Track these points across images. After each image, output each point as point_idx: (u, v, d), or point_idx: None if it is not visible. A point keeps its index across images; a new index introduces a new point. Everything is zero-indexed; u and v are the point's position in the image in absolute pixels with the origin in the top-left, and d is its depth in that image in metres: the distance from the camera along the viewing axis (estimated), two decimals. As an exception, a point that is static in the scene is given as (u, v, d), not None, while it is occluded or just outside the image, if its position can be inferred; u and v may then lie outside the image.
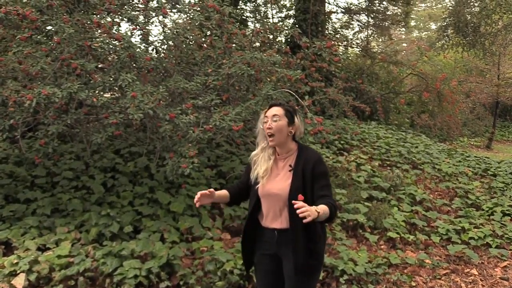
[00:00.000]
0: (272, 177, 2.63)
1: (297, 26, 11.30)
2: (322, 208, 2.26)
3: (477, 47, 12.93)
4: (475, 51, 13.38)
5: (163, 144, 4.77)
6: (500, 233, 5.79)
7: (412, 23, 29.49)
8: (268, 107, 2.67)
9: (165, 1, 5.27)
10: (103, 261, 3.89)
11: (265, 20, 7.15)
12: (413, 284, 4.53)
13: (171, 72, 5.28)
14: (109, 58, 5.01)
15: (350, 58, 14.91)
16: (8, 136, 4.45)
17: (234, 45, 5.87)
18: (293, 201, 2.21)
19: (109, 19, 5.11)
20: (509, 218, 6.37)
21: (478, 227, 5.93)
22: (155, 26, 5.78)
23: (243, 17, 11.42)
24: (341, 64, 12.74)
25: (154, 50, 5.77)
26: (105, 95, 4.63)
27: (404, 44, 22.28)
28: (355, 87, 10.46)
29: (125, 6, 5.39)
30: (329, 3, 14.27)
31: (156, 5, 5.20)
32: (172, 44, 5.41)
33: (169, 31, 5.27)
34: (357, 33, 16.97)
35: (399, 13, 16.12)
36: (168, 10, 5.27)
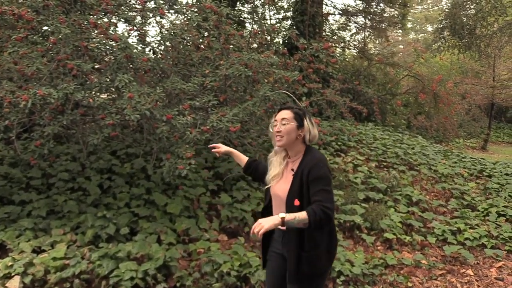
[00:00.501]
0: (280, 179, 2.66)
1: (294, 27, 11.33)
2: (293, 215, 2.29)
3: (473, 49, 12.96)
4: (470, 53, 13.41)
5: (160, 145, 4.75)
6: (495, 234, 5.81)
7: (409, 25, 29.56)
8: (278, 110, 2.69)
9: (162, 2, 5.25)
10: (99, 263, 3.87)
11: (262, 22, 7.13)
12: (410, 284, 4.53)
13: (168, 73, 5.27)
14: (106, 59, 4.99)
15: (347, 59, 14.94)
16: (3, 137, 4.42)
17: (231, 46, 5.86)
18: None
19: (106, 19, 5.09)
20: (504, 218, 6.39)
21: (474, 227, 5.94)
22: (152, 26, 5.78)
23: (240, 18, 11.43)
24: (338, 66, 12.78)
25: (151, 51, 5.76)
26: (101, 96, 4.60)
27: (401, 46, 22.31)
28: (352, 88, 10.49)
29: (122, 7, 5.37)
30: (326, 5, 14.28)
31: (154, 5, 5.19)
32: (169, 45, 5.40)
33: (166, 32, 5.26)
34: (354, 35, 16.98)
35: (396, 15, 16.17)
36: (165, 11, 5.26)
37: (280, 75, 5.19)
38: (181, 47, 5.48)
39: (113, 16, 5.19)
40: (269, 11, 12.62)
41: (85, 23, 4.78)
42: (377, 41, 18.29)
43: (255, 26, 6.64)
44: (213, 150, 3.01)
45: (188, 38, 5.42)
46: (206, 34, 5.73)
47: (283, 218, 2.27)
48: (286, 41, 10.69)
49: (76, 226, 4.47)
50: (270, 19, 13.18)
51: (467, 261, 5.14)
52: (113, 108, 4.36)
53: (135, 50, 4.70)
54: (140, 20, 5.27)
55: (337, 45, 13.87)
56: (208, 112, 4.87)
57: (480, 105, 21.28)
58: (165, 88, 4.59)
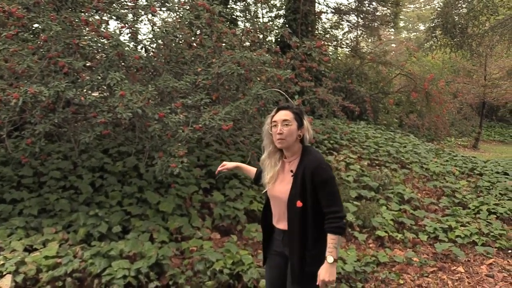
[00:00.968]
0: (278, 180, 2.64)
1: (287, 25, 11.34)
2: (332, 247, 2.43)
3: (465, 48, 13.06)
4: (462, 52, 13.51)
5: (152, 143, 4.74)
6: (486, 231, 5.86)
7: (401, 24, 29.71)
8: (275, 110, 2.63)
9: (154, 0, 5.24)
10: (91, 261, 3.85)
11: (255, 20, 7.12)
12: (401, 282, 4.56)
13: (160, 71, 5.25)
14: (97, 57, 4.97)
15: (339, 58, 14.98)
16: (-6, 135, 4.39)
17: (224, 44, 5.86)
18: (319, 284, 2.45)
19: (97, 17, 5.06)
20: (495, 216, 6.44)
21: (465, 225, 5.99)
22: (144, 24, 5.77)
23: (233, 16, 11.41)
24: (331, 64, 12.82)
25: (143, 48, 5.74)
26: (93, 94, 4.58)
27: (393, 45, 22.41)
28: (344, 87, 10.53)
29: (114, 4, 5.34)
30: (319, 3, 14.30)
31: (145, 3, 5.17)
32: (161, 42, 5.38)
33: (158, 29, 5.24)
34: (346, 33, 17.04)
35: (388, 14, 16.23)
36: (157, 9, 5.24)
37: (273, 74, 5.20)
38: (173, 45, 5.47)
39: (105, 14, 5.17)
40: (262, 9, 12.62)
41: (76, 20, 4.76)
42: (370, 40, 18.35)
43: (247, 24, 6.63)
44: (220, 169, 2.96)
45: (180, 36, 5.41)
46: (198, 32, 5.72)
47: (335, 260, 2.44)
48: (279, 39, 10.70)
49: (68, 225, 4.45)
50: (263, 17, 13.20)
51: (458, 259, 5.19)
52: (105, 106, 4.35)
53: (127, 48, 4.69)
54: (131, 18, 5.25)
55: (329, 44, 13.90)
56: (200, 110, 4.86)
57: (471, 104, 21.45)
58: (157, 86, 4.57)
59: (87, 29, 4.77)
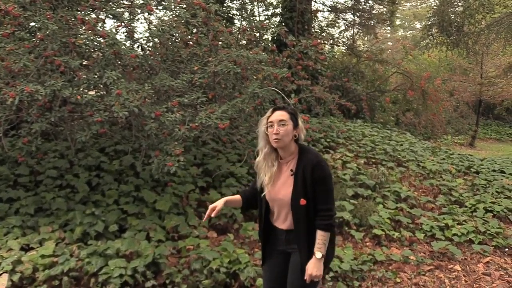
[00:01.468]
0: (276, 182, 2.65)
1: (283, 24, 11.32)
2: (320, 244, 2.51)
3: (461, 46, 13.09)
4: (458, 50, 13.55)
5: (149, 142, 4.73)
6: (483, 230, 5.88)
7: (397, 22, 29.77)
8: (271, 111, 2.65)
9: (150, -2, 5.23)
10: (88, 260, 3.85)
11: (251, 18, 7.12)
12: (398, 280, 4.57)
13: (156, 70, 5.25)
14: (94, 55, 4.96)
15: (336, 56, 14.97)
16: (-10, 134, 4.38)
17: (220, 43, 5.85)
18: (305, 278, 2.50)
19: (93, 15, 5.05)
20: (491, 214, 6.46)
21: (461, 223, 6.00)
22: (141, 23, 5.75)
23: (229, 14, 11.39)
24: (327, 63, 12.81)
25: (140, 47, 5.72)
26: (89, 93, 4.58)
27: (390, 43, 22.47)
28: (341, 85, 10.52)
29: (110, 3, 5.33)
30: (315, 2, 14.29)
31: (142, 2, 5.16)
32: (158, 41, 5.37)
33: (154, 28, 5.23)
34: (343, 32, 17.03)
35: (384, 12, 16.23)
36: (153, 7, 5.23)
37: (269, 72, 5.20)
38: (170, 43, 5.46)
39: (101, 12, 5.16)
40: (258, 7, 12.59)
41: (73, 19, 4.75)
42: (366, 38, 18.37)
43: (244, 23, 6.64)
44: (209, 214, 2.69)
45: (177, 34, 5.40)
46: (194, 30, 5.71)
47: (322, 256, 2.51)
48: (275, 38, 10.69)
49: (65, 224, 4.44)
50: (259, 15, 13.16)
51: (455, 257, 5.20)
52: (101, 105, 4.34)
53: (123, 47, 4.68)
54: (128, 16, 5.24)
55: (326, 42, 13.90)
56: (197, 109, 4.86)
57: (468, 102, 21.49)
58: (153, 85, 4.57)
59: (83, 27, 4.76)
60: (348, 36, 16.87)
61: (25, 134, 4.37)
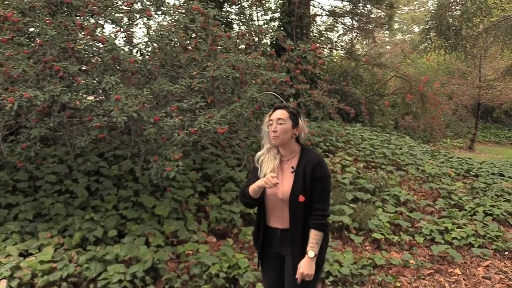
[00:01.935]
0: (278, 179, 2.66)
1: (282, 28, 11.34)
2: (314, 243, 2.52)
3: (459, 50, 13.11)
4: (457, 54, 13.57)
5: (148, 147, 4.73)
6: (482, 233, 5.87)
7: (396, 26, 29.81)
8: (272, 110, 2.72)
9: (149, 3, 5.24)
10: (87, 266, 3.84)
11: (250, 23, 7.15)
12: (398, 284, 4.56)
13: (155, 75, 5.25)
14: (93, 61, 4.97)
15: (334, 60, 15.02)
16: (-11, 140, 4.37)
17: (219, 47, 5.86)
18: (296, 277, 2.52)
19: (92, 21, 5.06)
20: (491, 218, 6.46)
21: (461, 227, 6.00)
22: (140, 28, 5.76)
23: (228, 19, 11.40)
24: (326, 67, 12.84)
25: (138, 52, 5.74)
26: (88, 98, 4.58)
27: (388, 47, 22.51)
28: (339, 89, 10.55)
29: (109, 8, 5.34)
30: (314, 6, 14.34)
31: (140, 7, 5.17)
32: (157, 46, 5.38)
33: (153, 33, 5.25)
34: (341, 36, 17.07)
35: (382, 16, 16.28)
36: (152, 12, 5.24)
37: (268, 77, 5.21)
38: (169, 48, 5.47)
39: (100, 18, 5.17)
40: (257, 12, 12.62)
41: (72, 24, 4.75)
42: (364, 42, 18.41)
43: (242, 28, 6.64)
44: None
45: (176, 39, 5.41)
46: (193, 35, 5.73)
47: (315, 255, 2.52)
48: (274, 42, 10.70)
49: (64, 229, 4.43)
50: (258, 20, 13.19)
51: (455, 261, 5.19)
52: (100, 110, 4.34)
53: (122, 52, 4.69)
54: (127, 22, 5.25)
55: (324, 46, 13.95)
56: (195, 114, 4.86)
57: (466, 105, 21.50)
58: (152, 89, 4.57)
59: (82, 33, 4.77)
60: (347, 40, 16.93)
61: (24, 140, 4.36)
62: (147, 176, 5.20)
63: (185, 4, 5.51)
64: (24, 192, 4.91)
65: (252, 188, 2.63)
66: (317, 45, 7.64)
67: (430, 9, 16.15)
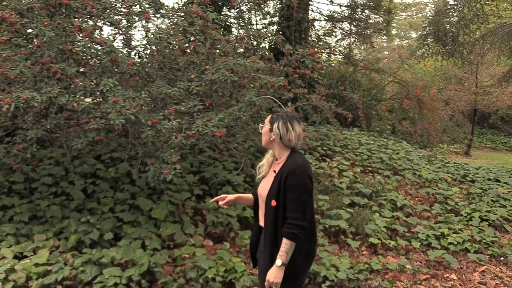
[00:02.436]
0: (265, 179, 2.78)
1: (280, 33, 11.38)
2: (282, 251, 2.48)
3: (456, 56, 13.18)
4: (454, 60, 13.64)
5: (145, 150, 4.72)
6: (478, 238, 5.88)
7: (394, 31, 29.92)
8: None
9: (148, 6, 5.23)
10: (82, 269, 3.82)
11: (249, 27, 7.15)
12: (394, 290, 4.56)
13: (153, 77, 5.24)
14: (91, 63, 4.95)
15: (332, 65, 15.06)
16: (-15, 141, 4.35)
17: (217, 51, 5.86)
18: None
19: (91, 23, 5.05)
20: (487, 223, 6.48)
21: (457, 232, 6.01)
22: (138, 30, 5.76)
23: (227, 23, 11.43)
24: (324, 71, 12.87)
25: (137, 55, 5.72)
26: (86, 100, 4.56)
27: (386, 52, 22.58)
28: (337, 94, 10.57)
29: (108, 10, 5.33)
30: (312, 11, 14.40)
31: (139, 9, 5.17)
32: (155, 49, 5.37)
33: (152, 36, 5.23)
34: (339, 41, 17.15)
35: (380, 22, 16.36)
36: (151, 15, 5.24)
37: (266, 81, 5.21)
38: (167, 51, 5.46)
39: (98, 20, 5.16)
40: (256, 16, 12.64)
41: (70, 26, 4.74)
42: (362, 47, 18.48)
43: (241, 31, 6.65)
44: (221, 203, 2.89)
45: (174, 42, 5.41)
46: (192, 38, 5.72)
47: (282, 263, 2.48)
48: (272, 46, 10.74)
49: (59, 232, 4.40)
50: (257, 24, 13.20)
51: (451, 266, 5.20)
52: (97, 112, 4.33)
53: (120, 54, 4.67)
54: (125, 24, 5.24)
55: (322, 51, 13.99)
56: (193, 117, 4.85)
57: (463, 111, 21.59)
58: (150, 92, 4.56)
59: (80, 35, 4.76)
60: (345, 45, 17.00)
61: (21, 141, 4.34)
62: (144, 179, 5.18)
63: (184, 7, 5.51)
64: (20, 194, 4.88)
65: None
66: (316, 49, 7.66)
67: (428, 15, 16.22)
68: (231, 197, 2.88)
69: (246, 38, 6.41)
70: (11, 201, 4.66)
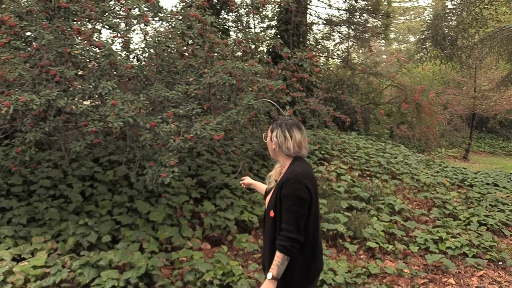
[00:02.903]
0: (272, 190, 2.69)
1: (279, 36, 11.41)
2: (274, 265, 2.36)
3: (454, 60, 13.22)
4: (452, 64, 13.68)
5: (143, 153, 4.73)
6: (477, 243, 5.88)
7: (392, 35, 30.02)
8: None
9: (147, 9, 5.25)
10: (80, 271, 3.82)
11: (247, 30, 7.19)
12: (392, 293, 4.56)
13: (152, 81, 5.26)
14: (89, 66, 4.96)
15: (330, 69, 15.08)
16: (-17, 143, 4.35)
17: (215, 54, 5.88)
18: None
19: (89, 26, 5.07)
20: (485, 228, 6.48)
21: (455, 236, 6.01)
22: (137, 34, 5.78)
23: (225, 26, 11.45)
24: (322, 75, 12.89)
25: (135, 58, 5.74)
26: (84, 103, 4.57)
27: (384, 56, 22.66)
28: (335, 97, 10.59)
29: (106, 13, 5.35)
30: (310, 15, 14.45)
31: (138, 13, 5.18)
32: (154, 52, 5.39)
33: (150, 39, 5.25)
34: (337, 45, 17.18)
35: (379, 26, 16.41)
36: (150, 18, 5.25)
37: (264, 84, 5.22)
38: (165, 54, 5.48)
39: (97, 23, 5.17)
40: (254, 20, 12.68)
41: (69, 29, 4.76)
42: (361, 51, 18.52)
43: (239, 35, 6.67)
44: (241, 182, 3.13)
45: (173, 45, 5.43)
46: (190, 42, 5.74)
47: (273, 277, 2.35)
48: (270, 50, 10.75)
49: (57, 234, 4.40)
50: (255, 28, 13.24)
51: (449, 270, 5.20)
52: (96, 115, 4.34)
53: (119, 57, 4.69)
54: (124, 27, 5.25)
55: (320, 55, 14.02)
56: (192, 120, 4.86)
57: (461, 115, 21.61)
58: (148, 95, 4.57)
59: (79, 38, 4.77)
60: (343, 49, 17.03)
61: (19, 144, 4.35)
62: (142, 182, 5.18)
63: (183, 11, 5.54)
64: (18, 196, 4.88)
65: None
66: (314, 53, 7.69)
67: (426, 19, 16.27)
68: (249, 180, 3.12)
69: (244, 42, 6.43)
70: (9, 203, 4.66)
